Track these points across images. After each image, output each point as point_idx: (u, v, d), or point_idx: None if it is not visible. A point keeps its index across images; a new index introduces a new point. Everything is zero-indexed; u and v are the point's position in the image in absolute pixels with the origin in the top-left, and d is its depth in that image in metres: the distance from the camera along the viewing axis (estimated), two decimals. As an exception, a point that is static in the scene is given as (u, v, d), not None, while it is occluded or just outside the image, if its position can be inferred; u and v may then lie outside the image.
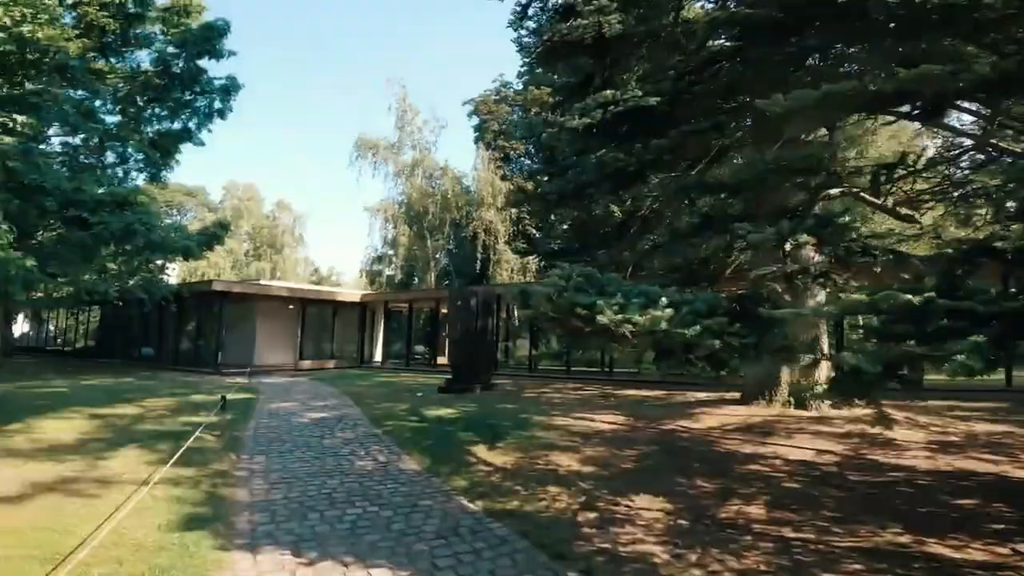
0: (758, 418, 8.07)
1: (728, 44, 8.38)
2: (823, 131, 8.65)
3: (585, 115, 7.53)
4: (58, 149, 17.26)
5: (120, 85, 16.92)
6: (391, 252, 34.72)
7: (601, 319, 3.59)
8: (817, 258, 5.39)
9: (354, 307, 22.85)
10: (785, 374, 8.41)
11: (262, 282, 26.48)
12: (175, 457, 5.51)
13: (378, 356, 23.64)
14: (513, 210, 32.97)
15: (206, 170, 78.42)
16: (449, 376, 13.11)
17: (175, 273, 27.29)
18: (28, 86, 8.35)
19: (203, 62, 17.25)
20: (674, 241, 8.77)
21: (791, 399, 8.47)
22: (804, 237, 3.46)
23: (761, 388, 8.71)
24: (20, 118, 6.85)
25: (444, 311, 23.98)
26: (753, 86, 8.25)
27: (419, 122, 34.24)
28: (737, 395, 9.75)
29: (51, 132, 16.90)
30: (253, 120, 77.82)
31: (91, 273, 14.97)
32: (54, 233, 15.74)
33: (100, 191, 13.92)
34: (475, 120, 39.87)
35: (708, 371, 3.96)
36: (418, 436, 7.54)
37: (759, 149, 5.70)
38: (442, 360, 22.46)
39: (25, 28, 7.20)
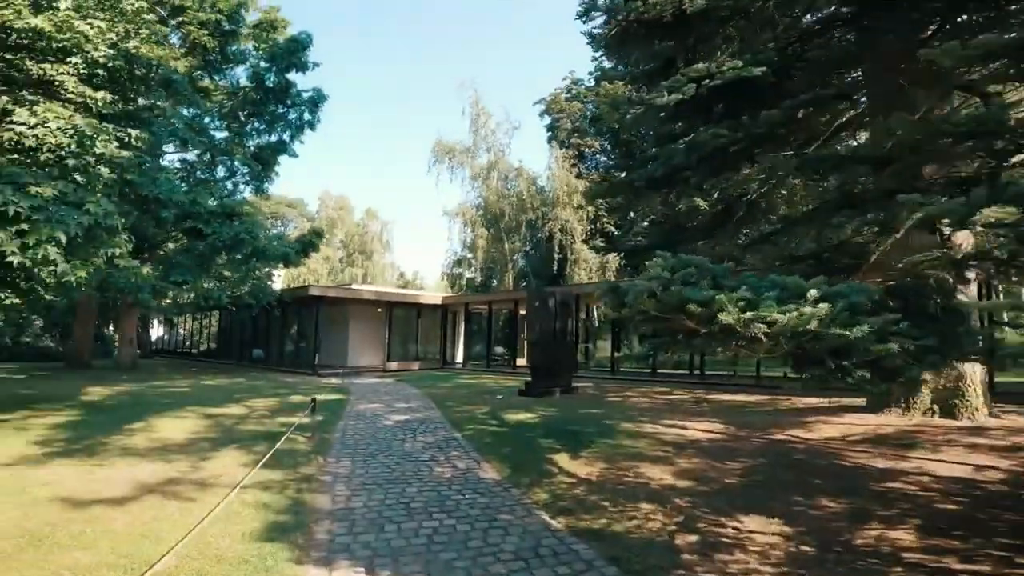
0: (891, 428, 6.92)
1: (843, 9, 7.34)
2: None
3: (675, 91, 6.83)
4: (176, 165, 19.37)
5: (224, 102, 18.59)
6: (470, 255, 35.32)
7: (725, 318, 2.99)
8: (967, 244, 4.39)
9: (436, 309, 23.39)
10: (928, 377, 7.13)
11: (353, 286, 27.93)
12: (266, 459, 5.69)
13: (459, 357, 24.02)
14: (590, 208, 32.17)
15: (302, 181, 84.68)
16: (528, 378, 12.84)
17: (280, 280, 29.68)
18: (140, 102, 9.23)
19: (291, 76, 18.61)
20: (792, 227, 7.77)
21: (935, 407, 7.17)
22: (998, 210, 2.62)
23: (894, 394, 7.47)
24: (134, 132, 7.48)
25: (523, 312, 23.89)
26: (874, 54, 7.14)
27: (492, 125, 34.45)
28: (859, 401, 8.51)
29: (168, 148, 19.00)
30: (337, 129, 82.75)
31: (208, 280, 16.53)
32: (176, 244, 17.66)
33: (212, 203, 15.32)
34: (547, 120, 39.48)
35: (873, 382, 3.21)
36: (498, 442, 7.31)
37: (892, 118, 4.76)
38: (521, 362, 22.35)
39: (131, 44, 7.92)
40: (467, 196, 35.76)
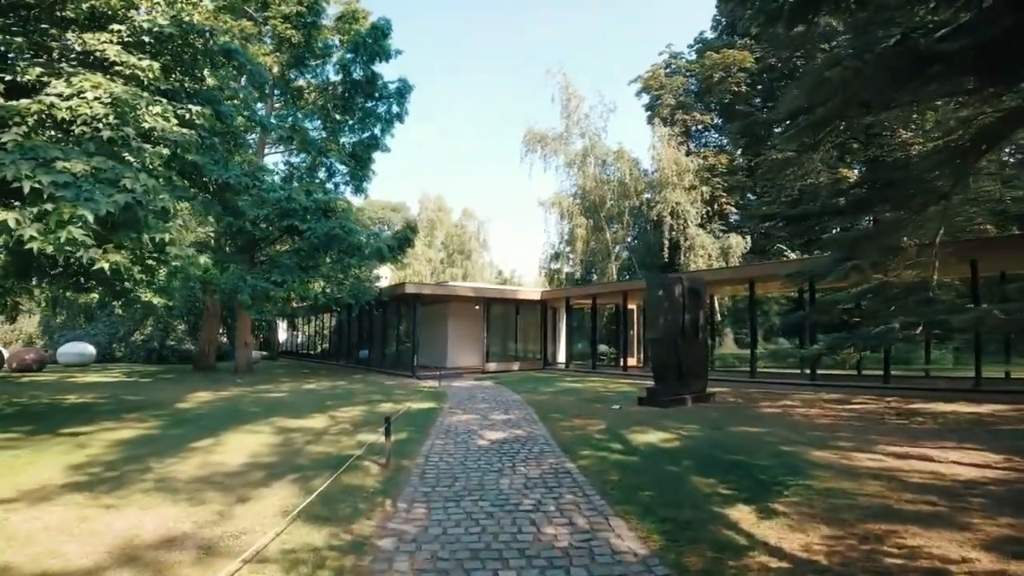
0: None
1: None
2: None
3: None
4: (281, 167, 19.70)
5: (316, 99, 18.45)
6: (567, 249, 33.22)
7: None
8: None
9: (535, 305, 21.64)
10: None
11: (450, 283, 27.19)
12: (312, 501, 4.16)
13: (561, 357, 22.07)
14: (704, 188, 28.54)
15: (397, 183, 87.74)
16: (650, 384, 10.49)
17: (387, 281, 29.94)
18: (210, 82, 8.47)
19: (376, 68, 17.97)
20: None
21: None
22: None
23: None
24: (196, 108, 6.48)
25: (632, 306, 21.26)
26: None
27: (584, 108, 32.05)
28: None
29: (271, 150, 19.33)
30: (425, 125, 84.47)
31: (312, 279, 16.30)
32: (277, 247, 17.77)
33: (306, 199, 14.93)
34: (645, 98, 36.23)
35: None
36: (629, 479, 5.20)
37: None
38: (631, 362, 19.75)
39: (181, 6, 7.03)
40: (562, 185, 33.79)
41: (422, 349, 19.35)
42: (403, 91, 18.99)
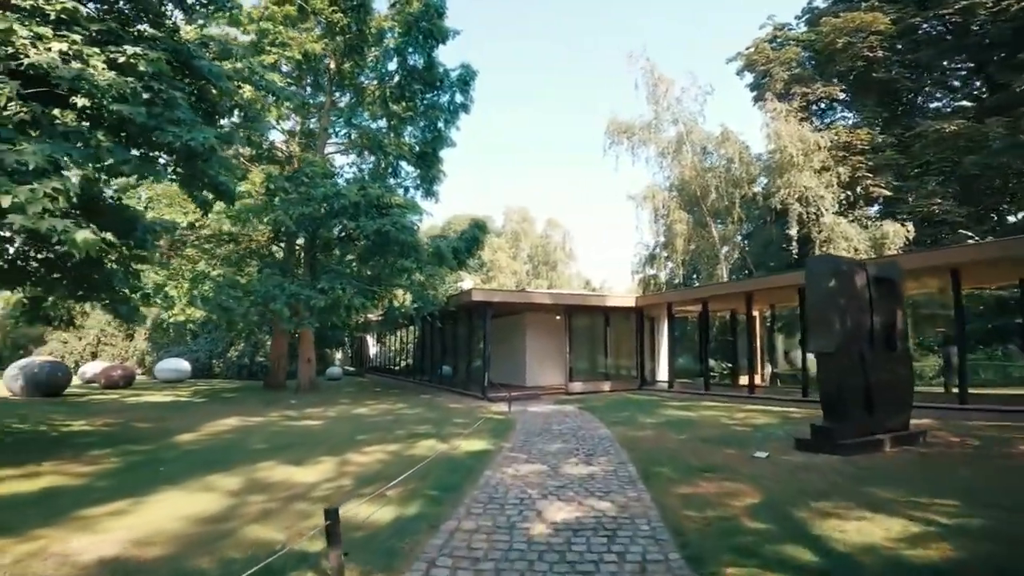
0: None
1: None
2: None
3: None
4: (348, 172, 18.44)
5: (376, 93, 16.90)
6: (663, 252, 29.08)
7: None
8: None
9: (628, 314, 18.17)
10: None
11: (525, 290, 24.47)
12: None
13: (662, 374, 18.29)
14: (840, 169, 23.30)
15: (470, 192, 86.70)
16: (806, 412, 6.85)
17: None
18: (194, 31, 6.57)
19: (434, 53, 16.08)
20: None
21: None
22: None
23: None
24: (131, 50, 4.40)
25: (755, 313, 16.98)
26: None
27: (675, 93, 28.11)
28: None
29: (332, 151, 18.09)
30: (491, 124, 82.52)
31: (367, 286, 14.48)
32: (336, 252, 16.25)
33: (356, 194, 13.11)
34: (748, 77, 31.46)
35: None
36: None
37: None
38: (744, 380, 15.46)
39: None
40: (654, 178, 29.91)
41: (495, 366, 16.74)
42: (466, 78, 16.90)
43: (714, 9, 63.46)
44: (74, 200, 4.14)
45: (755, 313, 16.00)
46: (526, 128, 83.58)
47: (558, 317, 17.63)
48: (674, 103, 28.02)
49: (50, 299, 8.42)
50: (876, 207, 25.39)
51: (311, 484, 5.32)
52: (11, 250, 7.62)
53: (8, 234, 6.30)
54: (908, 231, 21.38)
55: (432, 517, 4.26)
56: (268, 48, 13.47)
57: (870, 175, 23.82)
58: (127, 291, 8.07)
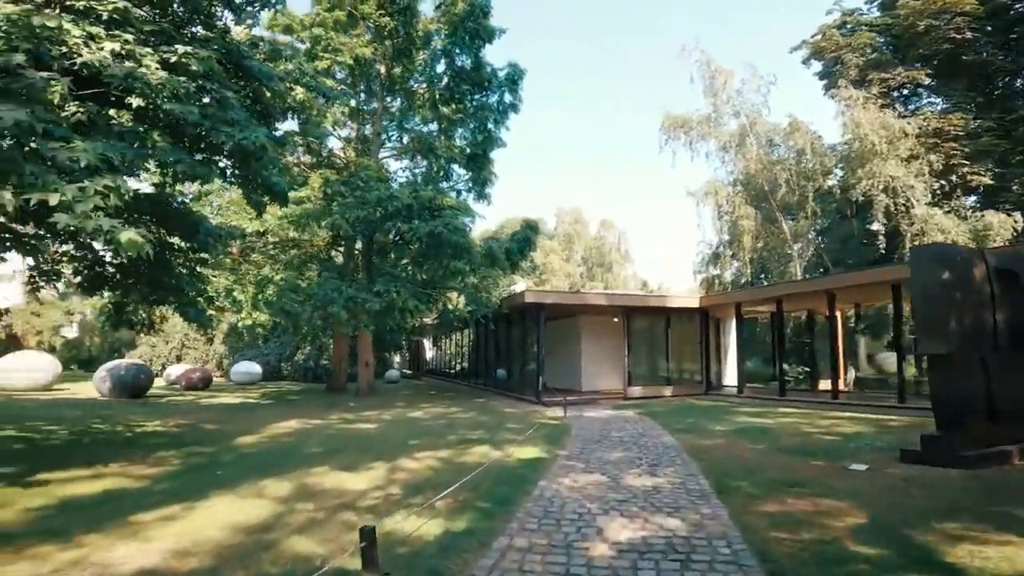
0: None
1: None
2: None
3: None
4: (401, 177, 18.67)
5: (425, 95, 17.01)
6: (729, 251, 27.46)
7: None
8: None
9: (691, 315, 17.14)
10: None
11: (580, 291, 23.80)
12: None
13: (729, 379, 17.13)
14: (931, 157, 21.08)
15: (530, 195, 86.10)
16: (908, 418, 5.92)
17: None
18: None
19: (480, 53, 16.01)
20: None
21: None
22: None
23: None
24: (182, 49, 4.43)
25: (837, 312, 15.49)
26: None
27: (735, 84, 26.77)
28: None
29: (385, 155, 18.38)
30: (538, 124, 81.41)
31: (420, 289, 14.51)
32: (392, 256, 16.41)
33: (409, 196, 13.14)
34: (816, 65, 29.37)
35: None
36: None
37: None
38: (824, 385, 13.95)
39: None
40: (715, 172, 28.43)
41: (550, 369, 16.26)
42: (514, 77, 16.70)
43: (765, 6, 60.01)
44: (126, 199, 4.12)
45: (837, 313, 14.56)
46: (574, 127, 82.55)
47: (615, 319, 16.91)
48: (734, 95, 26.70)
49: (130, 304, 8.80)
50: (974, 197, 22.79)
51: (360, 492, 5.10)
52: (90, 256, 8.09)
53: (83, 239, 6.59)
54: (1016, 221, 18.93)
55: (482, 533, 3.89)
56: (321, 54, 13.83)
57: (967, 163, 21.37)
58: (194, 294, 8.33)
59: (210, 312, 9.62)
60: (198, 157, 6.05)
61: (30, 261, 8.60)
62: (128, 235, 3.88)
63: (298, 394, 18.10)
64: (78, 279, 8.73)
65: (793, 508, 4.43)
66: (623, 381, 16.09)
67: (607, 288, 45.38)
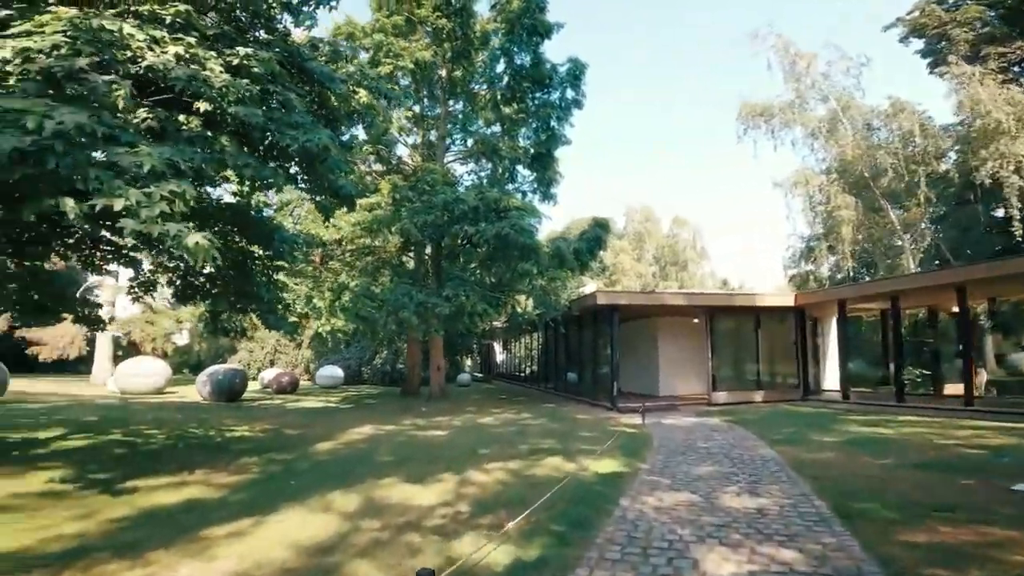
0: None
1: None
2: None
3: None
4: (467, 180, 18.71)
5: (486, 96, 16.90)
6: (824, 244, 24.96)
7: None
8: None
9: (785, 314, 15.57)
10: None
11: (656, 291, 22.64)
12: None
13: (829, 382, 15.39)
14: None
15: (597, 195, 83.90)
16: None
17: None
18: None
19: (539, 49, 15.70)
20: None
21: None
22: None
23: None
24: (243, 51, 4.45)
25: (977, 306, 13.33)
26: None
27: (819, 67, 24.67)
28: None
29: (451, 158, 18.47)
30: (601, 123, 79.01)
31: (489, 292, 14.31)
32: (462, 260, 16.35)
33: (475, 199, 13.00)
34: (916, 43, 26.24)
35: None
36: None
37: None
38: (951, 390, 11.85)
39: None
40: (803, 161, 26.02)
41: (625, 373, 15.43)
42: (576, 72, 16.20)
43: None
44: (192, 204, 4.09)
45: (973, 307, 12.51)
46: (636, 120, 79.75)
47: (696, 320, 15.74)
48: (820, 79, 24.73)
49: (224, 312, 9.18)
50: None
51: (427, 509, 4.80)
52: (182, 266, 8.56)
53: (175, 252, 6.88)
54: None
55: (557, 562, 3.41)
56: (383, 60, 14.12)
57: None
58: (273, 301, 8.57)
59: (291, 319, 9.88)
60: (270, 164, 6.09)
61: (131, 272, 9.32)
62: (195, 239, 3.83)
63: (375, 398, 18.55)
64: (171, 289, 9.30)
65: (948, 539, 3.55)
66: (706, 385, 14.89)
67: (682, 286, 43.14)
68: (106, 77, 3.79)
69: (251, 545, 3.83)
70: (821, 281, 24.97)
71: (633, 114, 79.95)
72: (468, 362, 37.32)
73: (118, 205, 3.54)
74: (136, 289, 8.71)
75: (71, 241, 7.50)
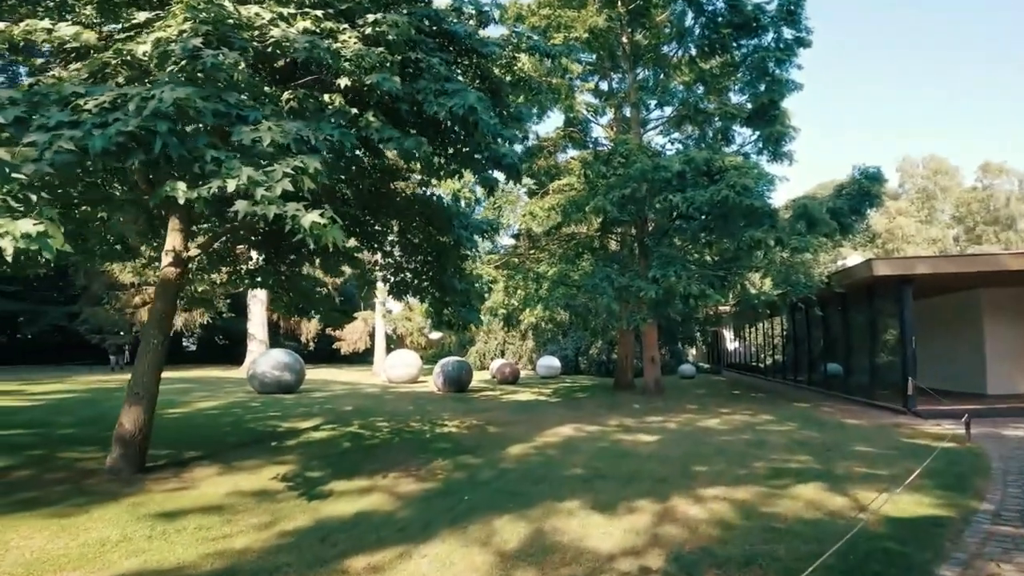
0: None
1: None
2: None
3: None
4: (670, 148, 16.46)
5: (681, 56, 14.33)
6: None
7: None
8: None
9: None
10: None
11: (975, 255, 16.31)
12: None
13: None
14: None
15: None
16: None
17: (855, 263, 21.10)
18: None
19: None
20: None
21: None
22: None
23: None
24: (372, 17, 4.00)
25: None
26: None
27: None
28: None
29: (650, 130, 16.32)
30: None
31: (706, 269, 12.05)
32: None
33: (679, 164, 10.92)
34: None
35: None
36: None
37: None
38: None
39: None
40: None
41: (924, 366, 11.14)
42: (789, 5, 12.60)
43: None
44: (322, 181, 3.62)
45: None
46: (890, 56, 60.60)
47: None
48: None
49: (448, 307, 9.21)
50: None
51: (604, 557, 3.45)
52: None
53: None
54: None
55: None
56: (554, 34, 13.01)
57: None
58: (465, 291, 8.33)
59: (482, 310, 9.58)
60: (413, 135, 5.53)
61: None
62: (311, 218, 3.34)
63: (586, 390, 17.74)
64: (387, 286, 9.83)
65: None
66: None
67: (1007, 249, 31.01)
68: (231, 54, 3.56)
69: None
70: None
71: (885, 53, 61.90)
72: (692, 351, 33.83)
73: (231, 186, 3.22)
74: (394, 288, 9.25)
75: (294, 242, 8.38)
